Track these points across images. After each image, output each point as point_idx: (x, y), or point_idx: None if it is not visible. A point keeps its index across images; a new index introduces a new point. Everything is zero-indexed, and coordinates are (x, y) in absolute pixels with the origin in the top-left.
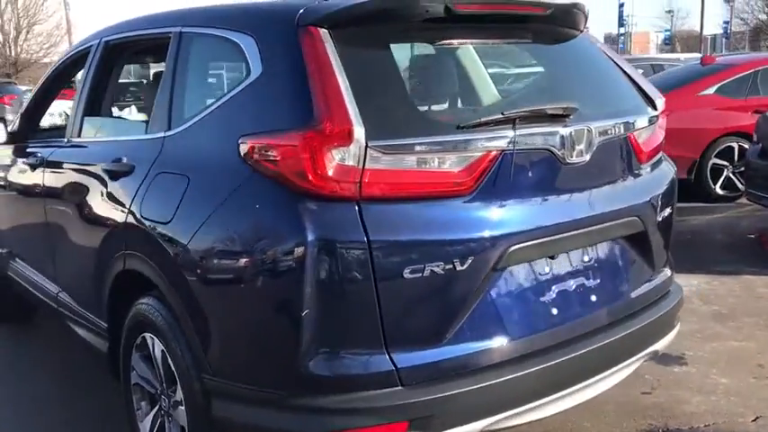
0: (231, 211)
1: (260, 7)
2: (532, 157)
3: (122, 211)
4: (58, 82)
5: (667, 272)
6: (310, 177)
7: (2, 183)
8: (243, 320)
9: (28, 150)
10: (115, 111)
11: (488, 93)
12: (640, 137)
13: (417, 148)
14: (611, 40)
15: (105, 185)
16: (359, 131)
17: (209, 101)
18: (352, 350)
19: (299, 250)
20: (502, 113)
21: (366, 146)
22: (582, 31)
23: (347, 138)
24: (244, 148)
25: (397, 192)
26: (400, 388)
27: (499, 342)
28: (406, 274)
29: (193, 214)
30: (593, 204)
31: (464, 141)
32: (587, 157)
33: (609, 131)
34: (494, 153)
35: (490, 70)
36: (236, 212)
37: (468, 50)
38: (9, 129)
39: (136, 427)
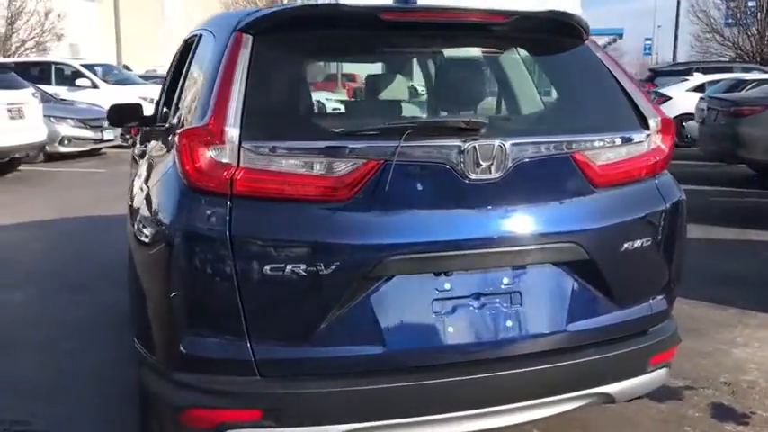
0: (153, 192)
1: (235, 13)
2: (424, 170)
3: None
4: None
5: (647, 309)
6: (187, 169)
7: None
8: (143, 294)
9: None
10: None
11: (402, 102)
12: (598, 158)
13: (293, 152)
14: None
15: (140, 163)
16: (232, 132)
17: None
18: (217, 336)
19: (169, 235)
20: (386, 124)
21: (239, 146)
22: (580, 40)
23: (220, 137)
24: None
25: (270, 192)
26: (258, 378)
27: (371, 350)
28: (267, 271)
29: (143, 190)
30: (507, 225)
31: (342, 149)
32: (498, 175)
33: (536, 149)
34: (375, 163)
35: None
36: (154, 195)
37: (401, 59)
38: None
39: None
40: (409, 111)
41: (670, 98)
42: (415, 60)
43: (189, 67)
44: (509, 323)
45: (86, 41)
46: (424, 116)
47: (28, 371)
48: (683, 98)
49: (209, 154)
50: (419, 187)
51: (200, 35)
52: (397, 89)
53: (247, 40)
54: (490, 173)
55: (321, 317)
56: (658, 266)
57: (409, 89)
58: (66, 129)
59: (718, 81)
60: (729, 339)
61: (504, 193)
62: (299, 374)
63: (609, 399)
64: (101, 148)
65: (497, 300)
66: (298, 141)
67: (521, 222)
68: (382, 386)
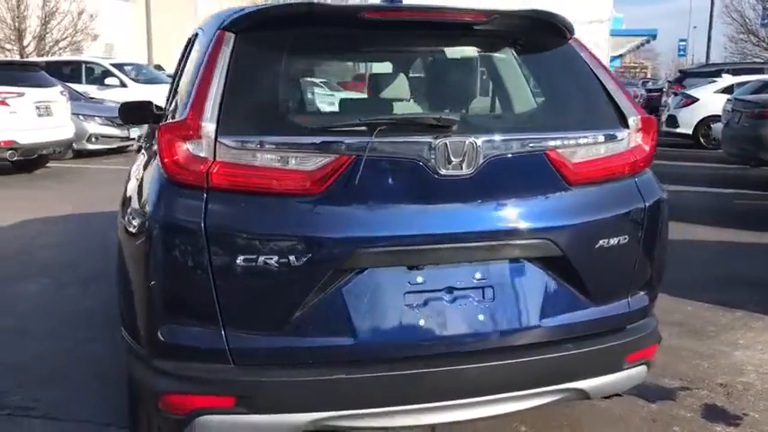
0: (140, 185)
1: (224, 12)
2: (396, 165)
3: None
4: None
5: (625, 306)
6: (166, 162)
7: None
8: (128, 284)
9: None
10: None
11: (383, 100)
12: (573, 155)
13: (268, 146)
14: None
15: (136, 157)
16: (208, 126)
17: (179, 89)
18: (192, 324)
19: (148, 226)
20: (359, 120)
21: (216, 140)
22: (564, 39)
23: (197, 131)
24: None
25: (245, 185)
26: (231, 366)
27: (343, 341)
28: (241, 262)
29: (133, 183)
30: (478, 220)
31: (315, 144)
32: (469, 171)
33: (509, 146)
34: (347, 157)
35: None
36: (140, 187)
37: (383, 58)
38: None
39: None
40: (389, 108)
41: (697, 99)
42: (397, 59)
43: (183, 65)
44: (481, 317)
45: (121, 41)
46: (402, 113)
47: (36, 358)
48: (710, 100)
49: (186, 147)
50: (391, 182)
51: (197, 33)
52: (379, 87)
53: (229, 38)
54: (461, 169)
55: (294, 308)
56: (636, 264)
57: (391, 87)
58: (93, 126)
59: (746, 83)
60: (732, 341)
61: (475, 189)
62: (271, 363)
63: (583, 395)
64: (128, 146)
65: (470, 294)
66: (273, 136)
67: (492, 218)
68: (353, 376)
